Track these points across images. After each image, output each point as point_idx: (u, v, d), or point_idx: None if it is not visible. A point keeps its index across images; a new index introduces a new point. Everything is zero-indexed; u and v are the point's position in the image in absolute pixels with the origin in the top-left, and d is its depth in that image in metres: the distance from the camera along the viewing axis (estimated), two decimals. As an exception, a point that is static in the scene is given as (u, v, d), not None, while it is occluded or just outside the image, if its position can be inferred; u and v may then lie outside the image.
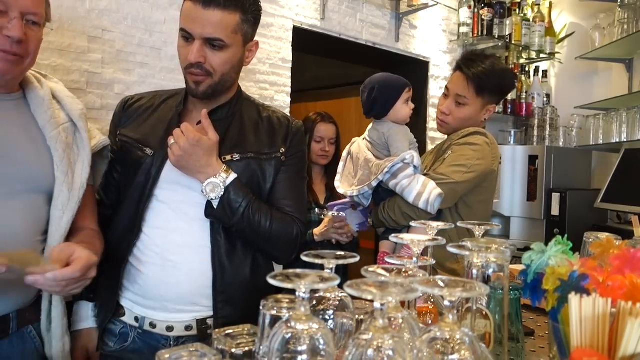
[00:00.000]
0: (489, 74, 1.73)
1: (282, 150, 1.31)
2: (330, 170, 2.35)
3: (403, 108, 1.70)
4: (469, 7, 3.17)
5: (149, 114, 1.33)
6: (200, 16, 1.15)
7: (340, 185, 1.78)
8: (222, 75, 1.22)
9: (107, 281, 1.27)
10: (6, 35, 1.03)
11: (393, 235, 0.87)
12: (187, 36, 1.19)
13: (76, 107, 1.22)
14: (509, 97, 3.31)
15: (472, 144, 1.67)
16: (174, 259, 1.21)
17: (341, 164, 1.84)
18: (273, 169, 1.29)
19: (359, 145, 1.78)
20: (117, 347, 1.27)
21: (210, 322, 1.23)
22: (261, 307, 0.68)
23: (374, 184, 1.64)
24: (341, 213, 1.92)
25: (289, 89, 2.53)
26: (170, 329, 1.22)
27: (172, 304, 1.22)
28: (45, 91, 1.18)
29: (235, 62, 1.24)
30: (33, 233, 1.11)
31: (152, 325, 1.23)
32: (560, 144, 3.28)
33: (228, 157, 1.24)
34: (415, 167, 1.61)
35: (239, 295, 1.23)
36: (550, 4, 3.42)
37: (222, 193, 1.18)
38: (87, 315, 1.31)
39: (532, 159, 3.03)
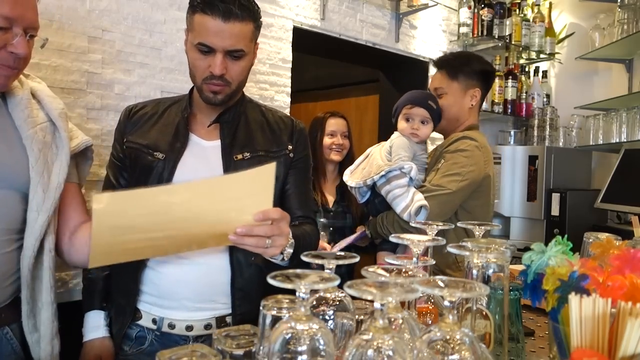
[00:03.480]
0: (456, 58, 1.88)
1: (290, 147, 1.35)
2: (343, 169, 2.28)
3: (400, 122, 1.76)
4: (469, 7, 3.17)
5: (155, 121, 1.34)
6: (221, 29, 1.16)
7: (350, 176, 1.80)
8: (238, 83, 1.26)
9: (123, 288, 1.27)
10: (11, 52, 1.03)
11: (393, 235, 0.87)
12: (206, 50, 1.19)
13: (56, 107, 1.19)
14: (509, 97, 3.32)
15: (463, 150, 1.70)
16: (192, 258, 1.21)
17: (360, 158, 1.86)
18: (282, 166, 1.32)
19: (379, 147, 1.82)
20: (134, 351, 1.27)
21: (229, 320, 1.24)
22: (261, 308, 0.69)
23: (369, 182, 1.68)
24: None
25: (289, 89, 2.53)
26: (189, 328, 1.23)
27: (192, 302, 1.22)
28: (25, 91, 1.16)
29: (249, 68, 1.28)
30: (4, 231, 1.07)
31: (171, 325, 1.23)
32: (560, 144, 3.28)
33: (240, 156, 1.27)
34: (411, 178, 1.63)
35: (255, 292, 1.23)
36: (550, 4, 3.42)
37: (292, 251, 1.15)
38: (98, 325, 1.31)
39: (532, 159, 3.03)
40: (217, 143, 1.29)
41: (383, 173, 1.63)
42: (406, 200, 1.59)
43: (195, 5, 1.18)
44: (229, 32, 1.17)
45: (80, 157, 1.26)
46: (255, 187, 0.99)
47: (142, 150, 1.28)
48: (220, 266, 1.23)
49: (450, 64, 1.85)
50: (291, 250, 1.13)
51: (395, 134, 1.76)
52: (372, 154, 1.81)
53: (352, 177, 1.78)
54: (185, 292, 1.21)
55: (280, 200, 1.32)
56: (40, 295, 1.12)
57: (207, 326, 1.23)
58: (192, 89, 1.34)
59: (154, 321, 1.24)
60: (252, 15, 1.21)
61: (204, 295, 1.22)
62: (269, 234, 1.02)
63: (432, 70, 3.20)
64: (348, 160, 2.23)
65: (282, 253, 1.10)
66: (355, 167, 1.82)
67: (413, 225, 1.05)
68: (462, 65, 1.84)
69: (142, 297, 1.26)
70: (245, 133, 1.32)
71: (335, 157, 2.27)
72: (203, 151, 1.29)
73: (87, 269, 1.34)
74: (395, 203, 1.61)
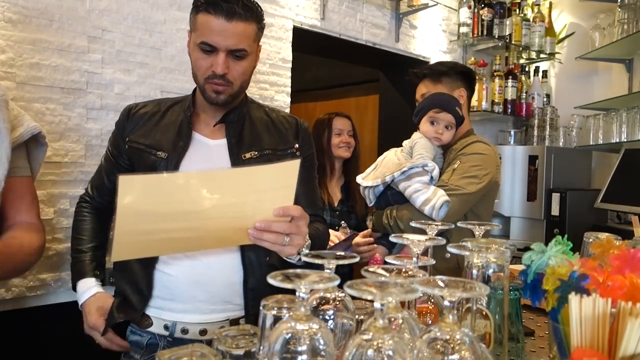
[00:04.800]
0: (436, 65, 1.95)
1: (296, 146, 1.36)
2: (348, 169, 2.35)
3: (424, 124, 1.76)
4: (469, 7, 3.17)
5: (157, 120, 1.33)
6: (224, 28, 1.17)
7: (363, 179, 1.81)
8: (241, 84, 1.26)
9: (136, 285, 1.25)
10: None
11: (393, 235, 0.87)
12: (208, 49, 1.19)
13: None
14: (509, 97, 3.32)
15: (480, 154, 1.71)
16: (204, 258, 1.21)
17: (372, 166, 1.86)
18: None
19: (391, 152, 1.83)
20: (145, 358, 1.26)
21: (242, 322, 1.24)
22: (261, 307, 0.68)
23: (388, 179, 1.68)
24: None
25: (289, 89, 2.53)
26: (203, 332, 1.22)
27: (205, 304, 1.22)
28: None
29: (252, 69, 1.29)
30: None
31: (184, 331, 1.23)
32: (560, 144, 3.28)
33: (248, 155, 1.28)
34: (432, 177, 1.64)
35: (267, 292, 1.23)
36: (550, 4, 3.42)
37: (308, 249, 1.14)
38: (90, 286, 1.31)
39: (532, 159, 3.03)
40: (222, 142, 1.29)
41: (405, 169, 1.63)
42: (427, 194, 1.59)
43: (198, 5, 1.19)
44: (232, 31, 1.17)
45: (32, 144, 1.20)
46: (278, 182, 0.99)
47: (145, 150, 1.28)
48: (232, 266, 1.23)
49: (432, 70, 1.90)
50: (307, 251, 1.12)
51: (417, 135, 1.76)
52: (386, 157, 1.82)
53: (367, 179, 1.78)
54: (199, 294, 1.21)
55: None
56: None
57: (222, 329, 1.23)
58: (195, 89, 1.34)
59: (166, 327, 1.24)
60: (255, 16, 1.22)
61: (217, 296, 1.22)
62: (287, 231, 1.02)
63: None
64: (354, 157, 2.35)
65: (298, 253, 1.10)
66: (367, 174, 1.82)
67: (420, 225, 1.02)
68: (444, 68, 1.88)
69: (152, 302, 1.25)
70: (251, 132, 1.32)
71: (344, 153, 2.33)
72: (208, 150, 1.29)
73: (74, 241, 1.37)
74: (415, 196, 1.60)
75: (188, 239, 1.01)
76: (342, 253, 0.74)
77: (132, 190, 0.88)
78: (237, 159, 1.26)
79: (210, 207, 0.95)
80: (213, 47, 1.18)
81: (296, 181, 1.00)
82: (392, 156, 1.78)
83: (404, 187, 1.63)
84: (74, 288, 1.34)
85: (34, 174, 1.24)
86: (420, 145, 1.71)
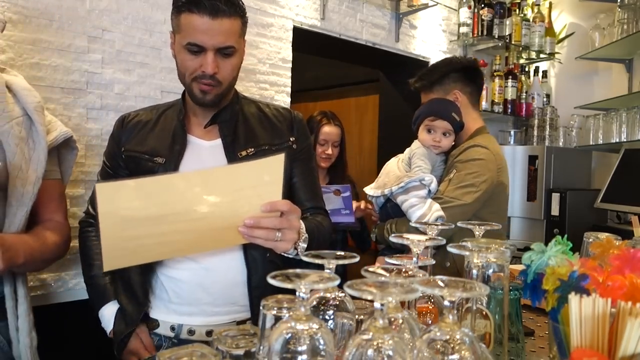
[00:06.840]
0: (424, 73, 1.88)
1: (292, 139, 1.34)
2: (332, 172, 2.35)
3: (421, 133, 1.75)
4: (469, 7, 3.17)
5: (151, 127, 1.33)
6: (210, 27, 1.14)
7: (369, 188, 1.81)
8: (229, 82, 1.25)
9: (132, 294, 1.25)
10: None
11: (394, 235, 0.87)
12: (196, 49, 1.17)
13: (31, 100, 1.18)
14: (509, 97, 3.32)
15: (476, 159, 1.68)
16: (208, 260, 1.20)
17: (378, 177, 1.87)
18: (286, 158, 1.30)
19: (394, 161, 1.83)
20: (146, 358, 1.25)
21: (249, 324, 1.23)
22: (261, 307, 0.69)
23: (387, 192, 1.67)
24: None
25: (289, 89, 2.53)
26: (209, 333, 1.22)
27: (210, 307, 1.22)
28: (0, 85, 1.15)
29: (240, 66, 1.27)
30: None
31: (191, 332, 1.23)
32: (560, 144, 3.28)
33: (244, 153, 1.27)
34: (430, 191, 1.63)
35: (271, 290, 1.23)
36: (550, 4, 3.42)
37: (305, 246, 1.13)
38: (116, 309, 1.28)
39: (532, 159, 3.03)
40: (218, 142, 1.29)
41: (402, 184, 1.63)
42: (422, 209, 1.58)
43: (180, 5, 1.16)
44: (218, 29, 1.15)
45: (64, 148, 1.26)
46: (264, 178, 0.98)
47: (142, 158, 1.28)
48: (235, 267, 1.23)
49: (422, 82, 1.86)
50: (305, 245, 1.11)
51: (416, 144, 1.75)
52: (387, 166, 1.81)
53: (369, 187, 1.79)
54: (204, 297, 1.21)
55: (288, 193, 1.30)
56: (19, 289, 1.13)
57: None
58: (184, 92, 1.33)
59: (172, 328, 1.24)
60: (239, 11, 1.20)
61: (221, 298, 1.22)
62: (278, 226, 1.01)
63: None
64: (336, 166, 2.34)
65: (295, 248, 1.09)
66: (375, 183, 1.82)
67: (420, 225, 1.03)
68: (434, 76, 1.84)
69: (156, 304, 1.25)
70: (245, 129, 1.31)
71: (322, 163, 2.32)
72: (204, 151, 1.29)
73: (87, 268, 1.34)
74: (411, 212, 1.60)
75: (179, 242, 1.00)
76: (342, 253, 0.74)
77: (110, 197, 0.88)
78: (233, 158, 1.26)
79: (196, 207, 0.94)
80: (200, 47, 1.16)
81: (282, 176, 0.99)
82: (393, 166, 1.77)
83: (401, 200, 1.63)
84: (95, 313, 1.31)
85: (65, 177, 1.29)
86: (417, 157, 1.70)
